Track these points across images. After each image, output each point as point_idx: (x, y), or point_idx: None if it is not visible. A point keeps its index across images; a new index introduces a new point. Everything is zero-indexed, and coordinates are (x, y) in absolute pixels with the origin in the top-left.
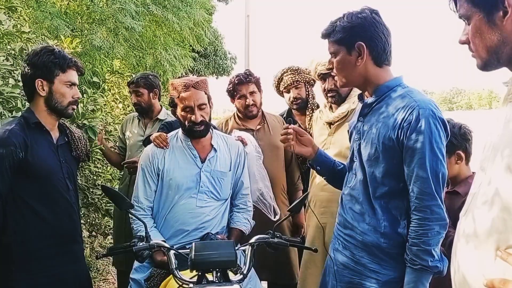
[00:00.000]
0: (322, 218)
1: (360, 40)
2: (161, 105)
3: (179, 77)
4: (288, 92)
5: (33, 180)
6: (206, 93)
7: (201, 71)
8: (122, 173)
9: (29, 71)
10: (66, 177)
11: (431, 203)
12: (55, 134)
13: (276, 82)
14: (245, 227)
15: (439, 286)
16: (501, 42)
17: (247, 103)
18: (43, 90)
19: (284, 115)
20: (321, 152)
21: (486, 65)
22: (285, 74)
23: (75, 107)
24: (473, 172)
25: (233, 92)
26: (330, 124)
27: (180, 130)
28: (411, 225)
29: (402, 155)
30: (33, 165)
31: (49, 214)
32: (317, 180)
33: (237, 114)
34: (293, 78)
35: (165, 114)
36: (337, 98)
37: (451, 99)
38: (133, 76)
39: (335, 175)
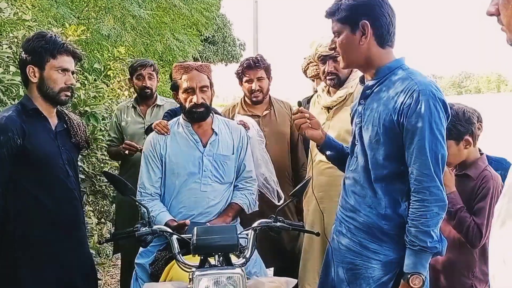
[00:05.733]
0: (321, 202)
1: (365, 18)
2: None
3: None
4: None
5: (32, 166)
6: (208, 78)
7: (210, 58)
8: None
9: (22, 57)
10: (65, 164)
11: (430, 184)
12: (53, 121)
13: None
14: (241, 201)
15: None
16: None
17: (253, 88)
18: (35, 76)
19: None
20: (330, 137)
21: None
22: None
23: (68, 93)
24: (481, 154)
25: (241, 75)
26: (328, 108)
27: (181, 117)
28: (410, 206)
29: (403, 137)
30: (31, 151)
31: (49, 200)
32: (315, 164)
33: (243, 100)
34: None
35: (162, 100)
36: (336, 81)
37: (460, 83)
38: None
39: (344, 159)
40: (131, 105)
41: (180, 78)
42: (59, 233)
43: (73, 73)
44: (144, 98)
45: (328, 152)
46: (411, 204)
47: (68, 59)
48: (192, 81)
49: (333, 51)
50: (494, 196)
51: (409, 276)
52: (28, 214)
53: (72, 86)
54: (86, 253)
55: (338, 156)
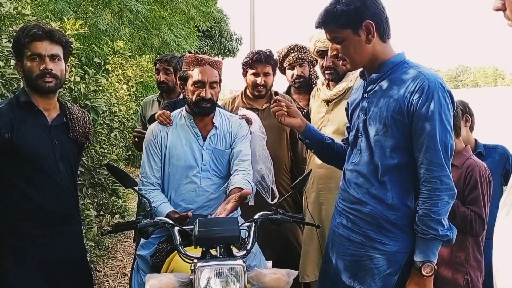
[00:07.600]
0: (320, 194)
1: (367, 18)
2: None
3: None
4: (292, 69)
5: (20, 160)
6: (219, 74)
7: (207, 52)
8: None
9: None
10: (58, 159)
11: (440, 173)
12: (51, 114)
13: (281, 58)
14: (245, 186)
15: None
16: None
17: (258, 82)
18: (21, 71)
19: (284, 93)
20: (310, 126)
21: None
22: (291, 51)
23: (48, 79)
24: (465, 145)
25: (248, 67)
26: (327, 101)
27: (184, 109)
28: (420, 196)
29: (411, 128)
30: (19, 145)
31: (35, 194)
32: (314, 157)
33: (244, 93)
34: (299, 56)
35: None
36: (335, 75)
37: (457, 77)
38: (137, 56)
39: (323, 149)
40: (156, 99)
41: (192, 70)
42: (45, 227)
43: (53, 57)
44: (165, 92)
45: (307, 141)
46: (421, 193)
47: (40, 44)
48: (204, 75)
49: (335, 58)
50: (483, 182)
51: (420, 264)
52: (14, 209)
53: (54, 72)
54: (79, 249)
55: (318, 145)
